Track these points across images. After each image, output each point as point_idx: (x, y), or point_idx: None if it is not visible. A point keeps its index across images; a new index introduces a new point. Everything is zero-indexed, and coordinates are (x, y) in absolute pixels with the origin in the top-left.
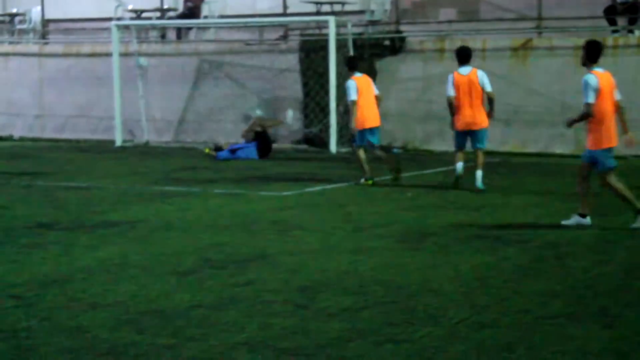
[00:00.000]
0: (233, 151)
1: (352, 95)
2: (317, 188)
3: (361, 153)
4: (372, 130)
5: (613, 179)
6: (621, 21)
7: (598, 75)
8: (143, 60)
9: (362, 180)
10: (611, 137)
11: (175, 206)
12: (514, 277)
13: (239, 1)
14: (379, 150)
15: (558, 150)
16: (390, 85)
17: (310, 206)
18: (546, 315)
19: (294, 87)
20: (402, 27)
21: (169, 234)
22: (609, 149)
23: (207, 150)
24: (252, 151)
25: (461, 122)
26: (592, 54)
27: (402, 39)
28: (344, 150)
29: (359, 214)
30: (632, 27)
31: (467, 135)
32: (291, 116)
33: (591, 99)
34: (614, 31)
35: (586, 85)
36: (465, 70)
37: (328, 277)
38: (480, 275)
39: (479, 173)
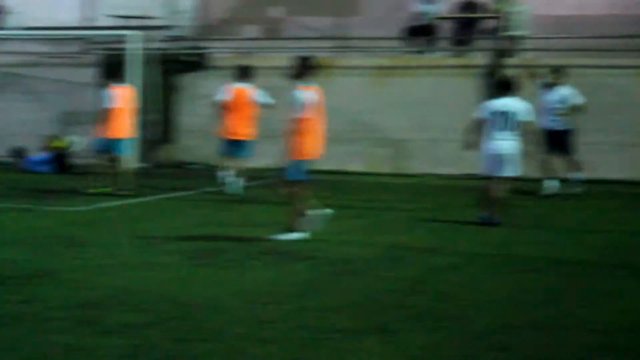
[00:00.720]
0: (32, 163)
1: (108, 104)
2: (111, 204)
3: (108, 161)
4: (121, 140)
5: (301, 192)
6: (419, 42)
7: (306, 90)
8: None
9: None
10: (312, 151)
11: None
12: (301, 292)
13: (39, 13)
14: (106, 161)
15: (353, 167)
16: (194, 101)
17: (101, 221)
18: (329, 330)
19: (94, 101)
20: (207, 44)
21: None
22: (307, 161)
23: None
24: (49, 165)
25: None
26: (302, 70)
27: (206, 55)
28: (143, 165)
29: (151, 230)
30: (430, 48)
31: (234, 145)
32: (78, 141)
33: (299, 113)
34: (413, 52)
35: (295, 99)
36: (243, 85)
37: (114, 293)
38: (267, 291)
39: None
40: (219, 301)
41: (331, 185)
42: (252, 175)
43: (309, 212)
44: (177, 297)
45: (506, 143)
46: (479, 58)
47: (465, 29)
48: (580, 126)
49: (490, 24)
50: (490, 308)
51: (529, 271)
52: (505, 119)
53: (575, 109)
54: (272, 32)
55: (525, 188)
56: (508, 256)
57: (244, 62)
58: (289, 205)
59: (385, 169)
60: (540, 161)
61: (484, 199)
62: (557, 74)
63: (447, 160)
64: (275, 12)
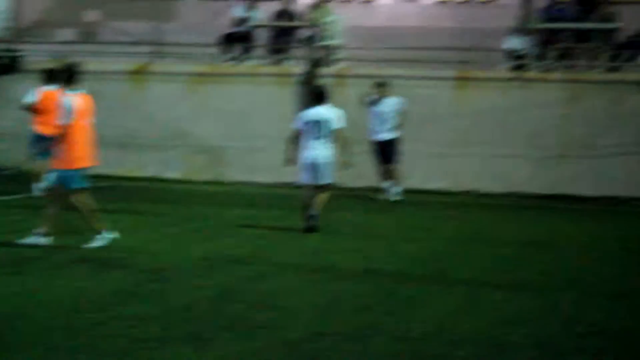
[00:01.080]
0: None
1: None
2: None
3: None
4: None
5: (82, 199)
6: (236, 50)
7: (74, 97)
8: None
9: None
10: (84, 158)
11: None
12: (113, 301)
13: None
14: None
15: (169, 175)
16: (6, 105)
17: None
18: (142, 339)
19: None
20: (21, 46)
21: None
22: (80, 169)
23: None
24: None
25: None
26: (68, 77)
27: (19, 58)
28: None
29: None
30: (246, 56)
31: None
32: None
33: (65, 120)
34: (229, 59)
35: (63, 106)
36: (52, 87)
37: None
38: (79, 300)
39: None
40: (27, 311)
41: (147, 193)
42: None
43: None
44: None
45: (320, 152)
46: (295, 66)
47: (282, 38)
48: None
49: (306, 33)
50: (303, 316)
51: (342, 280)
52: (318, 128)
53: (404, 117)
54: (88, 36)
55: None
56: (322, 265)
57: (56, 64)
58: (78, 212)
59: (202, 176)
60: (382, 171)
61: (305, 208)
62: (382, 88)
63: (263, 168)
64: (91, 15)
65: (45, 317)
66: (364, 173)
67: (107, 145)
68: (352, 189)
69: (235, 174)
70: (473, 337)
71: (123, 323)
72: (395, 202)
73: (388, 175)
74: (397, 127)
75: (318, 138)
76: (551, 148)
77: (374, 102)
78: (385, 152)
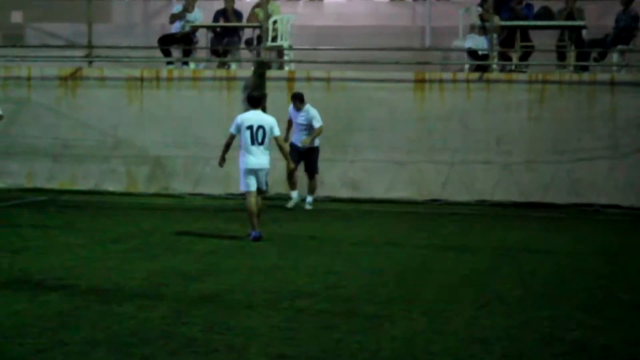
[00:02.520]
0: None
1: None
2: None
3: None
4: None
5: None
6: (176, 52)
7: None
8: None
9: None
10: None
11: None
12: (55, 325)
13: None
14: None
15: (110, 187)
16: None
17: None
18: None
19: None
20: None
21: None
22: None
23: None
24: None
25: None
26: None
27: None
28: None
29: None
30: (187, 59)
31: None
32: None
33: None
34: (169, 63)
35: None
36: None
37: None
38: (17, 324)
39: None
40: None
41: (85, 207)
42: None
43: None
44: None
45: (258, 158)
46: (240, 70)
47: (225, 39)
48: (352, 142)
49: (251, 33)
50: (262, 338)
51: (301, 297)
52: (255, 133)
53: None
54: (13, 40)
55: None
56: (279, 281)
57: None
58: None
59: (144, 188)
60: (287, 175)
61: (253, 215)
62: (300, 98)
63: (210, 179)
64: (15, 17)
65: None
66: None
67: (38, 156)
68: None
69: (180, 185)
70: (445, 357)
71: (67, 349)
72: (309, 211)
73: (308, 185)
74: (312, 135)
75: (255, 144)
76: (519, 153)
77: (295, 105)
78: (306, 161)
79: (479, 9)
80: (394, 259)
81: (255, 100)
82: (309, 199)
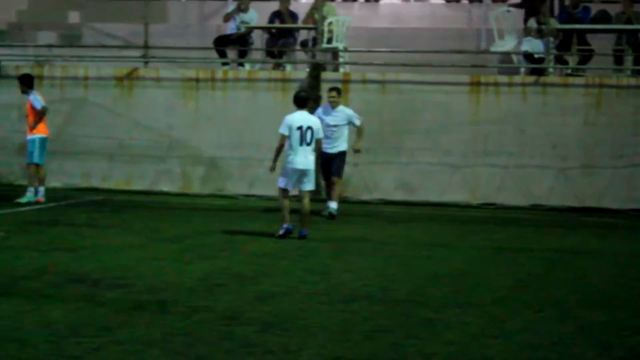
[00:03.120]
0: None
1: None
2: None
3: None
4: None
5: None
6: (231, 54)
7: None
8: None
9: None
10: None
11: None
12: (111, 324)
13: None
14: None
15: (165, 187)
16: None
17: None
18: None
19: None
20: None
21: None
22: None
23: None
24: None
25: None
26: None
27: None
28: None
29: None
30: (242, 60)
31: None
32: None
33: None
34: (224, 64)
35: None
36: None
37: None
38: (74, 323)
39: None
40: (20, 335)
41: (140, 207)
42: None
43: None
44: None
45: (306, 158)
46: (295, 71)
47: (281, 40)
48: (406, 145)
49: (307, 35)
50: (316, 340)
51: (355, 300)
52: (304, 134)
53: (359, 131)
54: (70, 39)
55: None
56: (333, 284)
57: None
58: None
59: (199, 189)
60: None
61: (283, 210)
62: (337, 94)
63: (263, 180)
64: (73, 17)
65: (39, 341)
66: None
67: (94, 156)
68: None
69: (235, 186)
70: None
71: (123, 348)
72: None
73: (331, 191)
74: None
75: (304, 144)
76: (575, 158)
77: (326, 107)
78: (332, 165)
79: (509, 10)
80: (448, 262)
81: (302, 100)
82: (334, 205)
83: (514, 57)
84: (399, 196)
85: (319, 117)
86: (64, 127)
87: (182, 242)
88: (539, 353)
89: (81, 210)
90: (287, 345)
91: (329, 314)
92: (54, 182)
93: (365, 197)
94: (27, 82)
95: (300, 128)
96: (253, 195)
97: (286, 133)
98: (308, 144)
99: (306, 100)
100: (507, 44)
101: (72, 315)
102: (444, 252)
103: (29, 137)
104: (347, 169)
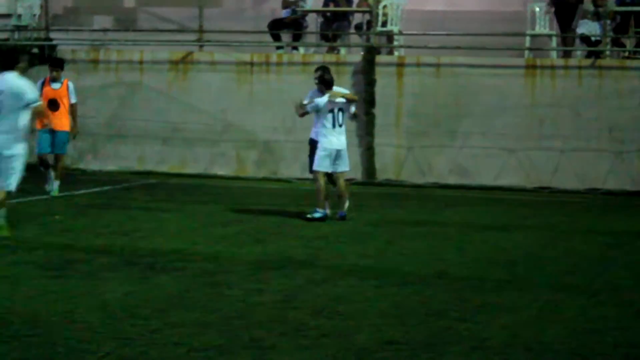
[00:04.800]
0: None
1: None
2: None
3: None
4: None
5: None
6: (286, 37)
7: None
8: None
9: None
10: None
11: None
12: (166, 307)
13: None
14: None
15: (219, 171)
16: None
17: None
18: (197, 348)
19: None
20: (53, 34)
21: None
22: None
23: None
24: None
25: None
26: None
27: (53, 47)
28: None
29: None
30: (297, 43)
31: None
32: None
33: None
34: (278, 47)
35: None
36: None
37: None
38: (129, 305)
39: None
40: (76, 317)
41: (194, 190)
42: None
43: None
44: (30, 313)
45: (339, 139)
46: (349, 54)
47: (335, 23)
48: (461, 128)
49: (361, 18)
50: (370, 324)
51: (409, 284)
52: (337, 116)
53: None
54: (125, 23)
55: None
56: (387, 267)
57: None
58: None
59: (253, 172)
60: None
61: (318, 195)
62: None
63: None
64: (128, 1)
65: (95, 323)
66: None
67: (149, 140)
68: None
69: (289, 170)
70: (555, 347)
71: (178, 330)
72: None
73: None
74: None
75: (337, 126)
76: (632, 141)
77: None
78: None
79: None
80: (503, 246)
81: (329, 83)
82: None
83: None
84: (453, 180)
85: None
86: (118, 111)
87: (236, 225)
88: (595, 338)
89: (136, 194)
90: (341, 329)
91: (383, 298)
92: (110, 166)
93: (419, 180)
94: (62, 66)
95: (332, 110)
96: (307, 179)
97: (312, 109)
98: (340, 126)
99: (332, 81)
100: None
101: (128, 298)
102: (499, 235)
103: (62, 130)
104: (401, 152)
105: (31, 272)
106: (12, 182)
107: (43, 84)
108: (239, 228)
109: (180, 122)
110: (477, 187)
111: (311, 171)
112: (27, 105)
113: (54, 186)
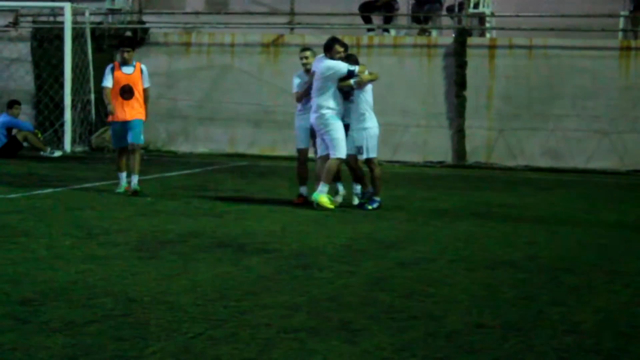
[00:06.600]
0: None
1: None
2: (48, 190)
3: None
4: None
5: None
6: (377, 20)
7: None
8: None
9: None
10: None
11: None
12: (256, 288)
13: None
14: None
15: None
16: None
17: (38, 210)
18: (287, 329)
19: (25, 79)
20: (145, 18)
21: None
22: None
23: None
24: None
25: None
26: None
27: (145, 30)
28: (79, 149)
29: (93, 220)
30: (388, 26)
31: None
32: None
33: None
34: (369, 30)
35: None
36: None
37: (54, 288)
38: (219, 287)
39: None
40: (167, 297)
41: (285, 173)
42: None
43: None
44: (123, 293)
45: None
46: (441, 37)
47: (427, 5)
48: (553, 111)
49: (453, 0)
50: (460, 307)
51: (499, 267)
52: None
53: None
54: (217, 7)
55: None
56: (477, 251)
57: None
58: None
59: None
60: None
61: (359, 177)
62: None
63: (407, 146)
64: None
65: (187, 304)
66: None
67: (240, 122)
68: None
69: (379, 152)
70: None
71: (268, 312)
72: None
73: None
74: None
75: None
76: None
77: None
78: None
79: None
80: (595, 229)
81: (357, 62)
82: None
83: None
84: (544, 163)
85: (300, 82)
86: (210, 93)
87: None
88: None
89: (227, 176)
90: (431, 311)
91: (473, 280)
92: (201, 148)
93: (510, 163)
94: (134, 46)
95: (372, 90)
96: (397, 162)
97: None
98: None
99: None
100: None
101: (219, 279)
102: (591, 218)
103: (138, 119)
104: (492, 135)
105: (124, 253)
106: None
107: (113, 69)
108: (329, 210)
109: (271, 105)
110: (569, 170)
111: (367, 159)
112: None
113: (134, 181)
